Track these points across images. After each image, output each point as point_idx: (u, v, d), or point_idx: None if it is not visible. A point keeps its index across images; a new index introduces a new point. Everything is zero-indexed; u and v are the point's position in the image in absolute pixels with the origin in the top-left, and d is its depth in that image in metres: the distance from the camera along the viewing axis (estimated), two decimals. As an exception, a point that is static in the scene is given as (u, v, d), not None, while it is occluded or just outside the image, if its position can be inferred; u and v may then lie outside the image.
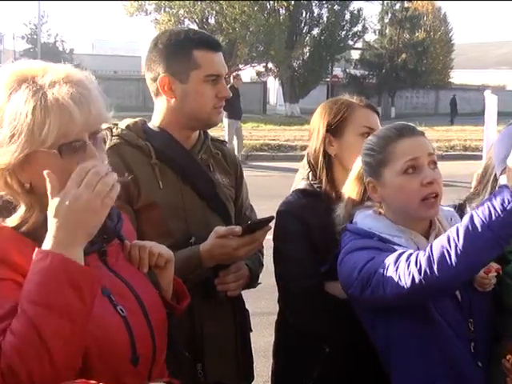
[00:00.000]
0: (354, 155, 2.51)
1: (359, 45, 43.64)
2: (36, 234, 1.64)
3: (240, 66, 34.85)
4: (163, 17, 36.62)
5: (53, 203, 1.59)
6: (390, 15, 41.94)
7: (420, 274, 1.99)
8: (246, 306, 2.76)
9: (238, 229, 2.32)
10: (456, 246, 1.95)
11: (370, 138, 2.40)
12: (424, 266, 1.99)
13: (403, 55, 40.91)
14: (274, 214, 2.52)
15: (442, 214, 2.35)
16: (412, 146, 2.27)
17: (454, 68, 51.26)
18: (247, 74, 42.45)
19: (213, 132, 2.78)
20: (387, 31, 42.34)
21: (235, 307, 2.64)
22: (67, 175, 1.64)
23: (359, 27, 40.17)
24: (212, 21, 37.11)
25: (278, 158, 18.42)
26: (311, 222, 2.57)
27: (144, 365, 1.75)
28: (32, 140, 1.62)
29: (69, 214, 1.58)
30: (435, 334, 2.19)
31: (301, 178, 2.76)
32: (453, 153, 19.44)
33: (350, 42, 41.01)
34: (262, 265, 2.74)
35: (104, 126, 1.76)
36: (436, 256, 1.98)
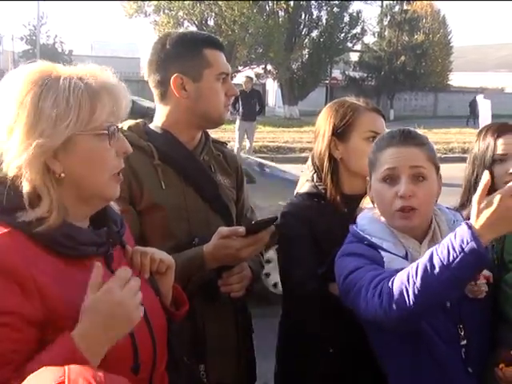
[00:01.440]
0: (360, 159, 2.53)
1: (358, 47, 43.62)
2: (49, 238, 1.63)
3: (239, 68, 34.83)
4: (162, 18, 36.57)
5: (95, 297, 1.57)
6: (389, 17, 41.93)
7: (380, 307, 2.02)
8: (246, 308, 2.75)
9: (241, 229, 2.31)
10: (414, 284, 1.94)
11: (377, 137, 2.43)
12: (384, 301, 2.01)
13: (402, 57, 40.90)
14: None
15: (443, 217, 2.35)
16: (394, 156, 2.26)
17: (453, 70, 51.24)
18: (245, 76, 42.41)
19: (221, 133, 2.79)
20: (386, 33, 42.34)
21: (237, 308, 2.64)
22: (103, 162, 1.71)
23: (358, 29, 40.15)
24: (211, 22, 37.06)
25: (276, 159, 18.37)
26: (316, 224, 2.58)
27: (145, 373, 1.75)
28: (83, 120, 1.65)
29: (109, 316, 1.57)
30: (422, 339, 2.19)
31: (305, 180, 2.76)
32: (451, 155, 19.44)
33: (349, 44, 40.97)
34: (263, 266, 2.74)
35: None
36: (395, 293, 1.99)
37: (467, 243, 1.88)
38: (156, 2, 36.84)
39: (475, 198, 1.97)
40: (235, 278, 2.47)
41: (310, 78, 38.07)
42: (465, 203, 2.91)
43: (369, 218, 2.38)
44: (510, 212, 1.90)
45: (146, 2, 37.20)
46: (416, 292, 1.94)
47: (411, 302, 1.95)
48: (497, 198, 1.91)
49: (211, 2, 35.31)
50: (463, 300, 2.21)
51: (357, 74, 42.96)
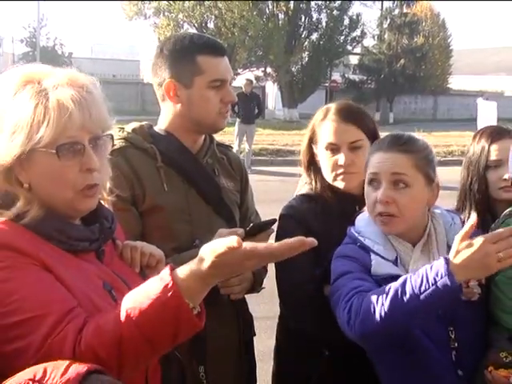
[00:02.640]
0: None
1: (358, 50, 43.63)
2: (37, 227, 1.66)
3: (239, 71, 34.80)
4: (162, 21, 36.58)
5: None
6: (388, 20, 41.92)
7: (348, 322, 2.08)
8: (246, 310, 2.75)
9: (240, 231, 2.31)
10: (382, 306, 1.98)
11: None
12: (351, 317, 2.06)
13: (402, 60, 40.89)
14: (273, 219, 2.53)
15: (440, 220, 2.35)
16: (377, 161, 2.28)
17: (453, 74, 51.26)
18: (245, 79, 42.38)
19: (221, 136, 2.80)
20: (386, 36, 42.33)
21: (239, 311, 2.64)
22: (62, 179, 1.68)
23: (358, 32, 40.14)
24: (211, 25, 37.06)
25: (276, 162, 18.42)
26: (312, 226, 2.59)
27: None
28: (30, 138, 1.63)
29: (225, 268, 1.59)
30: (411, 342, 2.20)
31: (304, 183, 2.78)
32: (451, 158, 19.43)
33: (349, 47, 40.97)
34: (266, 270, 2.74)
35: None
36: (362, 311, 2.03)
37: (441, 277, 1.92)
38: (156, 5, 36.86)
39: (458, 236, 1.98)
40: (235, 280, 2.47)
41: (310, 80, 38.06)
42: (460, 208, 2.91)
43: (365, 220, 2.40)
44: (488, 259, 1.91)
45: (146, 5, 37.22)
46: (382, 314, 1.98)
47: (375, 323, 2.00)
48: (478, 241, 1.92)
49: (211, 4, 35.32)
50: (455, 302, 2.20)
51: (356, 77, 42.97)
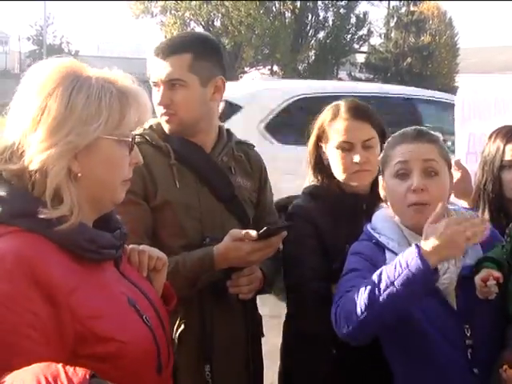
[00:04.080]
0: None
1: (364, 48, 43.59)
2: (67, 238, 1.61)
3: (245, 69, 34.85)
4: (169, 19, 36.67)
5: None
6: (395, 19, 41.85)
7: (334, 319, 2.15)
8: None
9: (253, 233, 2.31)
10: (361, 299, 2.04)
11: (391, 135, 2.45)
12: (336, 314, 2.13)
13: (408, 59, 40.81)
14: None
15: (456, 216, 2.35)
16: (406, 151, 2.29)
17: (459, 72, 51.10)
18: (252, 76, 42.41)
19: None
20: (392, 35, 42.25)
21: (247, 311, 2.64)
22: (120, 167, 1.71)
23: (365, 31, 40.23)
24: (218, 23, 37.15)
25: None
26: (320, 224, 2.60)
27: (165, 371, 1.77)
28: (111, 124, 1.64)
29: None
30: (426, 339, 2.21)
31: (310, 181, 2.79)
32: (458, 157, 19.43)
33: (356, 46, 41.03)
34: (279, 272, 2.72)
35: None
36: (345, 308, 2.10)
37: (412, 260, 1.98)
38: (163, 3, 36.95)
39: (426, 224, 2.10)
40: (244, 280, 2.47)
41: (317, 79, 38.03)
42: (474, 207, 2.90)
43: (382, 216, 2.40)
44: (456, 237, 2.02)
45: (153, 3, 37.31)
46: (362, 309, 2.03)
47: (358, 320, 2.04)
48: (442, 224, 2.05)
49: (218, 2, 35.35)
50: (472, 300, 2.20)
51: (363, 76, 42.88)
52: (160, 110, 2.52)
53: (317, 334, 2.60)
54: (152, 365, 1.71)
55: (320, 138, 2.73)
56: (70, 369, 1.28)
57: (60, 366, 1.29)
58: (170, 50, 2.49)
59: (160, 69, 2.49)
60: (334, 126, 2.67)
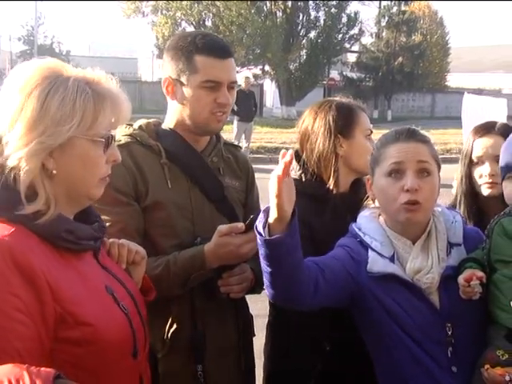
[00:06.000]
0: (362, 156, 2.60)
1: (356, 48, 43.64)
2: (46, 229, 1.69)
3: (237, 69, 34.86)
4: (160, 19, 36.56)
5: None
6: (386, 18, 41.88)
7: None
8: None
9: (240, 225, 2.34)
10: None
11: (380, 135, 2.45)
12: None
13: (400, 58, 40.88)
14: None
15: (441, 218, 2.36)
16: (400, 151, 2.29)
17: (451, 71, 51.26)
18: (244, 76, 42.41)
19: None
20: (384, 34, 42.30)
21: (239, 311, 2.65)
22: (96, 165, 1.77)
23: (356, 30, 40.13)
24: (209, 23, 37.05)
25: (274, 160, 18.41)
26: (314, 225, 2.62)
27: (140, 357, 1.85)
28: (85, 125, 1.70)
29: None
30: (402, 336, 2.23)
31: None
32: (449, 156, 19.41)
33: (347, 45, 40.97)
34: None
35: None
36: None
37: (262, 226, 1.99)
38: (154, 3, 36.88)
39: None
40: (235, 279, 2.47)
41: (308, 78, 38.06)
42: (455, 204, 2.95)
43: (367, 216, 2.42)
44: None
45: (144, 3, 37.23)
46: (265, 274, 2.09)
47: (267, 285, 2.13)
48: None
49: (209, 2, 35.32)
50: (454, 300, 2.23)
51: (354, 75, 42.94)
52: (220, 108, 2.52)
53: (308, 332, 2.61)
54: (128, 349, 1.79)
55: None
56: (33, 371, 1.30)
57: (24, 367, 1.31)
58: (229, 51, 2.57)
59: (224, 69, 2.52)
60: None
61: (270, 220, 1.97)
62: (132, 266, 2.05)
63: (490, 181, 2.79)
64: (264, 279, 2.11)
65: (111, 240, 2.03)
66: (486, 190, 2.81)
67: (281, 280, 2.08)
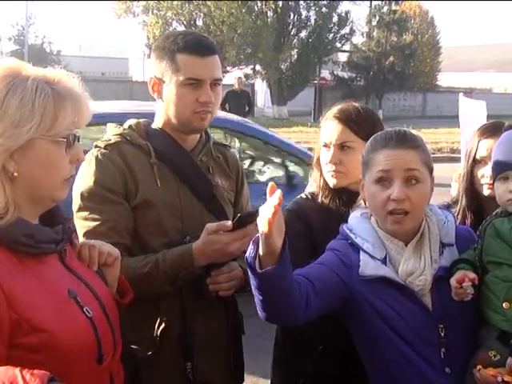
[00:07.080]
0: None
1: (347, 47, 43.62)
2: (9, 237, 1.66)
3: (228, 69, 34.76)
4: (151, 19, 36.47)
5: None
6: (377, 18, 41.98)
7: None
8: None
9: (228, 223, 2.34)
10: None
11: (373, 136, 2.40)
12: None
13: (391, 58, 40.98)
14: None
15: (433, 218, 2.35)
16: (389, 159, 2.25)
17: (442, 71, 51.41)
18: (235, 76, 42.42)
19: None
20: (375, 34, 42.39)
21: (228, 309, 2.65)
22: (57, 166, 1.73)
23: (347, 30, 40.11)
24: (200, 23, 36.97)
25: (265, 159, 18.41)
26: (314, 223, 2.64)
27: (106, 362, 1.81)
28: (44, 126, 1.67)
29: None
30: (395, 338, 2.22)
31: (313, 180, 2.82)
32: (440, 155, 19.48)
33: (338, 45, 40.94)
34: None
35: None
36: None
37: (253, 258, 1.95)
38: (144, 3, 36.79)
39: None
40: (224, 277, 2.47)
41: (299, 78, 38.06)
42: (457, 200, 2.97)
43: (358, 217, 2.40)
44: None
45: (135, 3, 37.14)
46: (257, 300, 2.07)
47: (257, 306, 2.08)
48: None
49: (200, 2, 35.27)
50: (447, 301, 2.22)
51: (345, 74, 43.01)
52: (203, 107, 2.52)
53: (305, 332, 2.61)
54: (91, 355, 1.75)
55: None
56: (27, 373, 1.29)
57: (17, 370, 1.30)
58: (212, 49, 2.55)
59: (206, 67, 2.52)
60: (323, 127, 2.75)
61: (261, 253, 1.93)
62: (104, 268, 2.02)
63: (491, 182, 2.80)
64: (255, 301, 2.08)
65: (82, 242, 2.01)
66: (486, 191, 2.82)
67: (272, 305, 2.06)
